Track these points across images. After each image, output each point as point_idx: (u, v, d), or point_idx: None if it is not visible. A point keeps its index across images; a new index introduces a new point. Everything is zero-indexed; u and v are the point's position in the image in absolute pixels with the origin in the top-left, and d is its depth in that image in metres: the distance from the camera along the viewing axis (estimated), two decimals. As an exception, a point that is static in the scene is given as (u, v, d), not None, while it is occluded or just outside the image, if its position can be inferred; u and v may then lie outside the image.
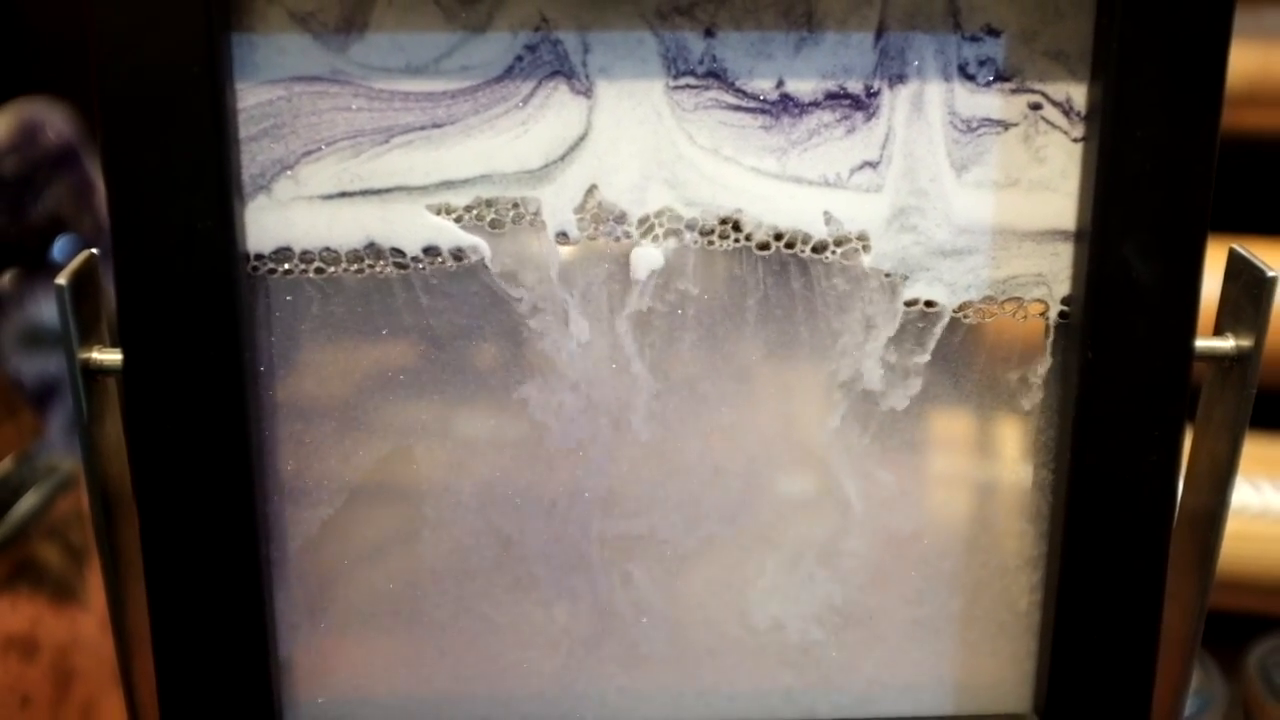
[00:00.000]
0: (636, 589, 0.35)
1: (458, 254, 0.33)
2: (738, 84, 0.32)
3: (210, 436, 0.32)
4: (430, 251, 0.33)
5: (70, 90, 0.68)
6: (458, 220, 0.33)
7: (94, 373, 0.32)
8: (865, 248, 0.33)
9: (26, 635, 0.51)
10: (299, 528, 0.34)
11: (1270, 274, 0.32)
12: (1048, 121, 0.32)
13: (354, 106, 0.32)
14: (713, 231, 0.33)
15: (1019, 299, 0.34)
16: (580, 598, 0.35)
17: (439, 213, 0.32)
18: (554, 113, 0.32)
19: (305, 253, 0.32)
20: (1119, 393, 0.32)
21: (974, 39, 0.32)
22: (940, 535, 0.35)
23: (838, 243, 0.33)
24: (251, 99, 0.31)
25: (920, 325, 0.34)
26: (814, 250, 0.33)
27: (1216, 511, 0.34)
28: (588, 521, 0.35)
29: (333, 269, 0.33)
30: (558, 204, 0.32)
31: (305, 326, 0.33)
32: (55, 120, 0.67)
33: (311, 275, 0.33)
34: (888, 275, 0.33)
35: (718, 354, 0.34)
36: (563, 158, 0.32)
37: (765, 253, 0.33)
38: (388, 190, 0.32)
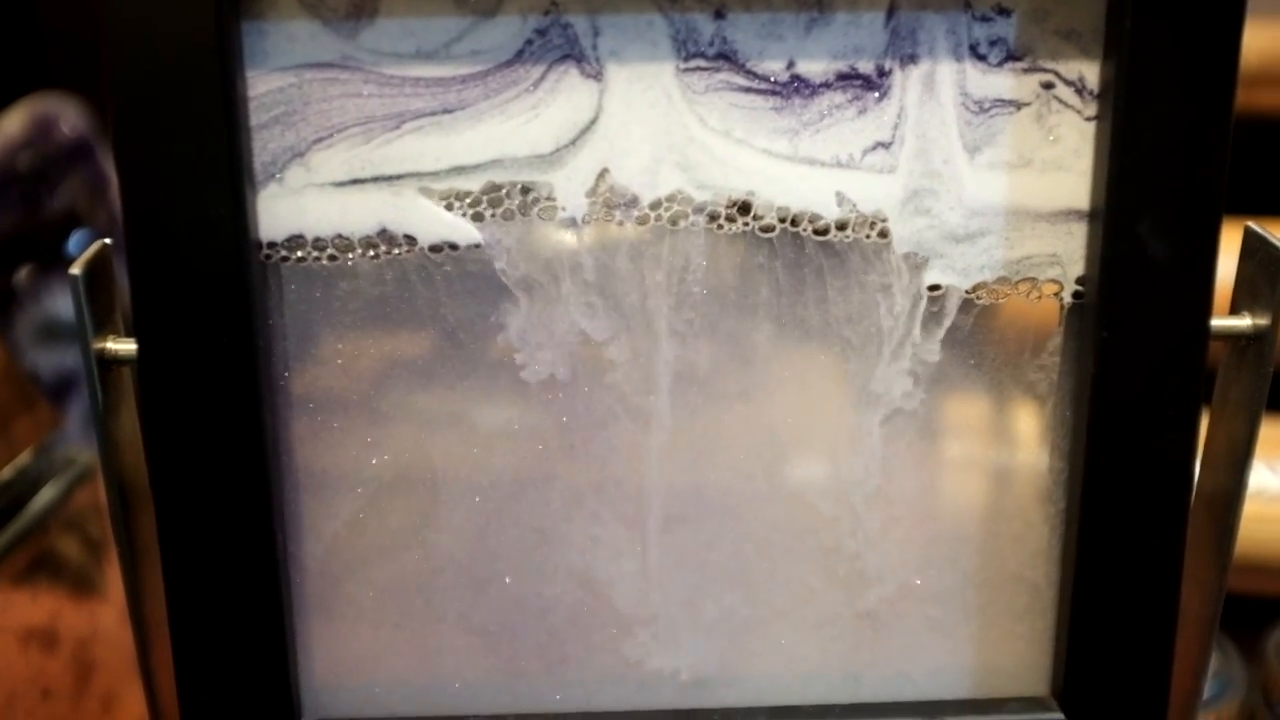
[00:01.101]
0: (653, 580, 0.35)
1: (470, 240, 0.33)
2: (748, 66, 0.32)
3: (225, 425, 0.32)
4: (442, 238, 0.33)
5: (83, 85, 0.68)
6: (469, 206, 0.33)
7: (109, 363, 0.32)
8: (880, 230, 0.33)
9: (46, 627, 0.51)
10: (315, 517, 0.34)
11: (1286, 251, 0.32)
12: (1060, 101, 0.32)
13: (365, 93, 0.32)
14: (724, 215, 0.33)
15: (1033, 279, 0.33)
16: (597, 588, 0.35)
17: (451, 198, 0.32)
18: (564, 96, 0.32)
19: (318, 240, 0.33)
20: (1135, 373, 0.32)
21: (985, 19, 0.32)
22: (957, 517, 0.35)
23: (851, 225, 0.33)
24: (262, 86, 0.31)
25: (934, 307, 0.34)
26: (824, 232, 0.33)
27: (1234, 492, 0.33)
28: (604, 512, 0.35)
29: (346, 256, 0.33)
30: (569, 188, 0.32)
31: (319, 314, 0.33)
32: (69, 115, 0.67)
33: (324, 262, 0.33)
34: (903, 256, 0.33)
35: (733, 340, 0.34)
36: (574, 142, 0.32)
37: (769, 234, 0.33)
38: (399, 176, 0.32)
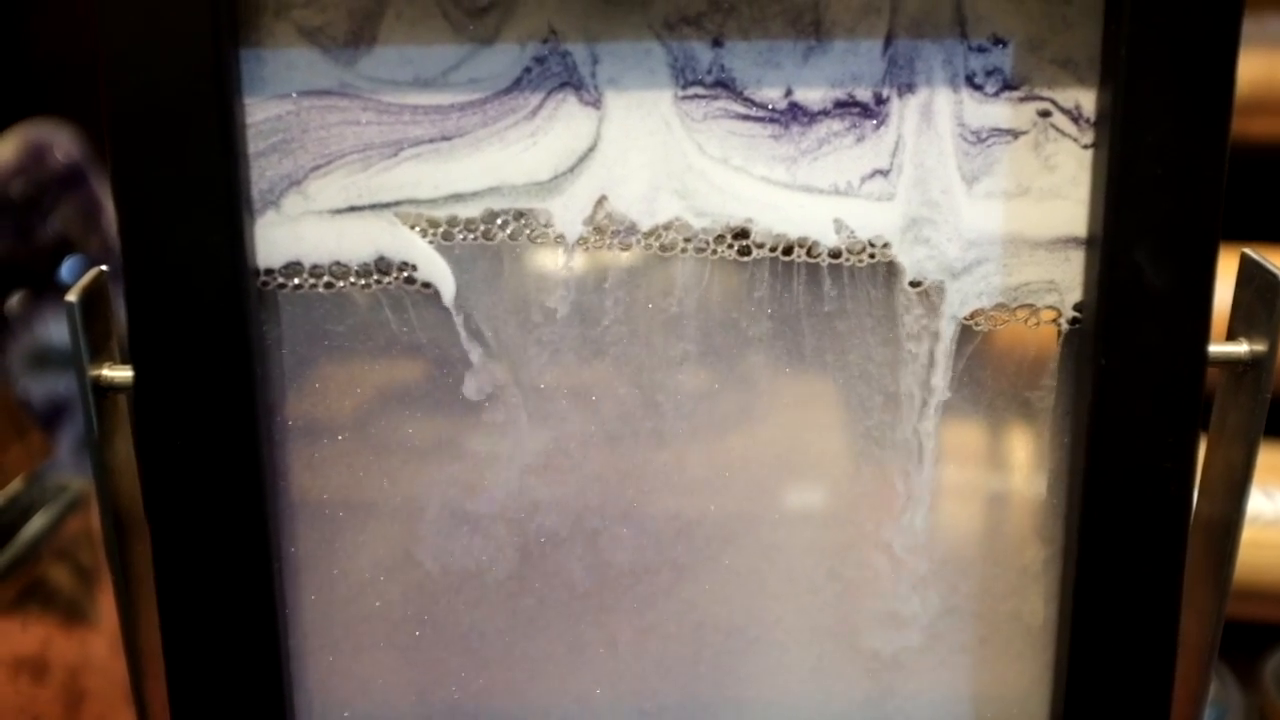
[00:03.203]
0: (648, 605, 0.35)
1: (465, 268, 0.33)
2: (746, 93, 0.32)
3: (221, 452, 0.32)
4: (437, 265, 0.33)
5: (77, 112, 0.68)
6: (466, 232, 0.32)
7: (105, 390, 0.32)
8: (879, 257, 0.33)
9: (37, 656, 0.51)
10: (311, 544, 0.34)
11: (1283, 278, 0.32)
12: (1057, 129, 0.32)
13: (363, 120, 0.32)
14: (723, 242, 0.33)
15: (1031, 306, 0.33)
16: (591, 614, 0.35)
17: (448, 225, 0.32)
18: (563, 124, 0.32)
19: (315, 267, 0.32)
20: (1133, 399, 0.32)
21: (981, 49, 0.32)
22: (955, 545, 0.35)
23: (850, 251, 0.33)
24: (260, 114, 0.31)
25: (932, 334, 0.34)
26: (813, 256, 0.33)
27: (1232, 518, 0.33)
28: (597, 538, 0.35)
29: (342, 283, 0.33)
30: (567, 216, 0.32)
31: (316, 341, 0.33)
32: (62, 141, 0.67)
33: (321, 290, 0.33)
34: (910, 285, 0.33)
35: (729, 366, 0.34)
36: (572, 169, 0.32)
37: (748, 257, 0.33)
38: (397, 204, 0.32)
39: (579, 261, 0.33)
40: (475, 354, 0.33)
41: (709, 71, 0.32)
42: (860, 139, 0.32)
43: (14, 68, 0.78)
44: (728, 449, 0.34)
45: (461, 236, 0.33)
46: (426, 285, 0.33)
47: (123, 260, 0.31)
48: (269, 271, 0.32)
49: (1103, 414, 0.32)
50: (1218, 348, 0.32)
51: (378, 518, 0.34)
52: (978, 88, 0.32)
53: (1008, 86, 0.32)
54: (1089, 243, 0.33)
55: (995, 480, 0.35)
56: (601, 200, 0.32)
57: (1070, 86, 0.32)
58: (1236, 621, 0.43)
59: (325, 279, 0.33)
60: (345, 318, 0.33)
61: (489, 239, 0.33)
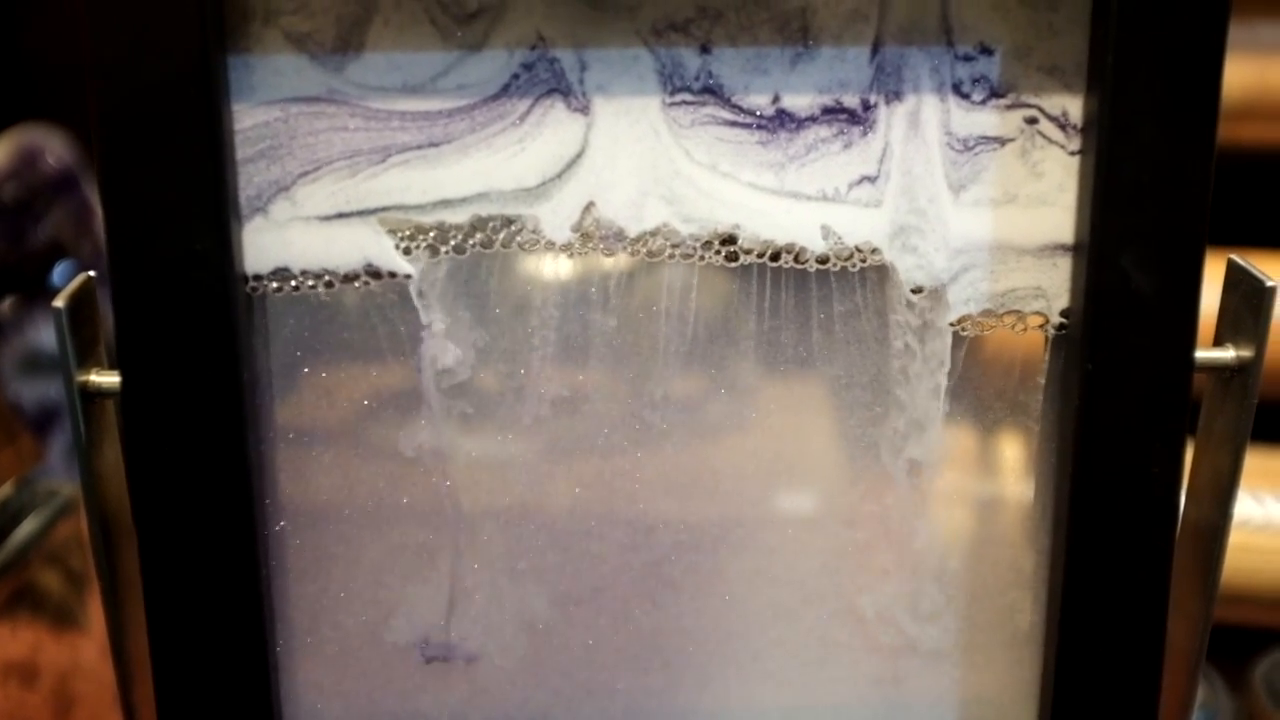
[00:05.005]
0: (640, 611, 0.35)
1: (451, 275, 0.33)
2: (734, 100, 0.32)
3: (209, 458, 0.32)
4: (426, 273, 0.33)
5: (69, 117, 0.68)
6: (453, 238, 0.33)
7: (92, 395, 0.32)
8: (864, 262, 0.33)
9: (26, 661, 0.51)
10: (299, 549, 0.34)
11: (1269, 284, 0.32)
12: (1044, 136, 0.32)
13: (351, 126, 0.32)
14: (710, 248, 0.33)
15: (1018, 312, 0.33)
16: (584, 620, 0.35)
17: (436, 231, 0.32)
18: (551, 130, 0.32)
19: (303, 273, 0.32)
20: (1120, 404, 0.32)
21: (967, 58, 0.32)
22: (942, 550, 0.35)
23: (837, 257, 0.33)
24: (248, 120, 0.31)
25: (919, 339, 0.34)
26: (800, 263, 0.33)
27: (1219, 523, 0.34)
28: (589, 543, 0.35)
29: (331, 289, 0.33)
30: (555, 222, 0.32)
31: (304, 346, 0.33)
32: (54, 146, 0.67)
33: (309, 295, 0.33)
34: (897, 291, 0.33)
35: (717, 371, 0.34)
36: (560, 175, 0.32)
37: (735, 263, 0.33)
38: (385, 210, 0.32)
39: (567, 267, 0.33)
40: (463, 360, 0.33)
41: (697, 78, 0.32)
42: (847, 146, 0.32)
43: (7, 72, 0.78)
44: (717, 455, 0.34)
45: (449, 242, 0.33)
46: (414, 291, 0.33)
47: (110, 266, 0.31)
48: (257, 277, 0.32)
49: (1090, 419, 0.32)
50: (1204, 353, 0.32)
51: (366, 523, 0.34)
52: (965, 95, 0.32)
53: (994, 94, 0.32)
54: (1076, 249, 0.33)
55: (983, 485, 0.35)
56: (589, 206, 0.32)
57: (1057, 93, 0.32)
58: (1226, 626, 0.43)
59: (313, 285, 0.33)
60: (333, 323, 0.33)
61: (478, 245, 0.33)
